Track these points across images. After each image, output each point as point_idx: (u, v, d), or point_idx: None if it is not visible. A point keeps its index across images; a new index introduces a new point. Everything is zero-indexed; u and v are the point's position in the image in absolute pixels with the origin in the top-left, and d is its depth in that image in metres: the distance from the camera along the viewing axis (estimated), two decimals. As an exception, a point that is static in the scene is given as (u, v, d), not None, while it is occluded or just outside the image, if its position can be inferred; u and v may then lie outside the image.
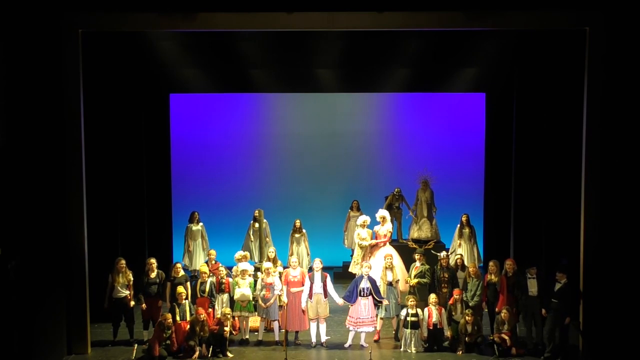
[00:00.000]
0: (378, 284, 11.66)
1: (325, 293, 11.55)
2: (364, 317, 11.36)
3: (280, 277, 11.78)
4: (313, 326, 11.63)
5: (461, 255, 12.85)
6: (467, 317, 11.19)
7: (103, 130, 12.62)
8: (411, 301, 11.35)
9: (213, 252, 12.66)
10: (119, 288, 11.56)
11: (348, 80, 15.21)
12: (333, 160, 16.81)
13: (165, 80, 14.92)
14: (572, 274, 11.26)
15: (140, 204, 14.48)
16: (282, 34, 12.39)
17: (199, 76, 14.99)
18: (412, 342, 11.26)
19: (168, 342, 11.05)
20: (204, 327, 11.03)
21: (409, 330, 11.28)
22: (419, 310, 11.32)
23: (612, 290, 10.83)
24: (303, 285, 11.56)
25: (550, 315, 10.96)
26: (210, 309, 11.51)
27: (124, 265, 11.64)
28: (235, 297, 11.67)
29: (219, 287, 11.78)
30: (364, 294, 11.39)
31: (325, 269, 11.74)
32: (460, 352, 11.20)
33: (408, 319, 11.26)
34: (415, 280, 11.80)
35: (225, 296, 11.83)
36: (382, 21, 10.94)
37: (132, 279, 11.67)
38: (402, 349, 11.29)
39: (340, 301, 11.57)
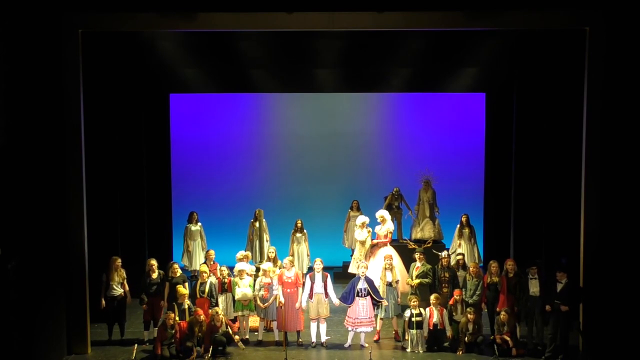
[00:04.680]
0: (377, 284, 11.66)
1: (327, 293, 11.55)
2: (362, 317, 11.35)
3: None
4: (313, 326, 11.63)
5: (462, 255, 12.82)
6: (468, 316, 11.18)
7: (103, 130, 12.62)
8: (414, 301, 11.34)
9: (212, 252, 12.65)
10: (113, 286, 11.57)
11: (348, 80, 15.20)
12: (333, 160, 16.81)
13: (165, 80, 14.92)
14: (572, 273, 11.27)
15: (140, 204, 14.48)
16: (282, 33, 12.39)
17: (199, 76, 14.99)
18: (420, 343, 11.27)
19: (172, 341, 11.02)
20: (203, 327, 11.02)
21: (414, 331, 11.27)
22: (422, 310, 11.32)
23: (612, 290, 10.83)
24: (297, 285, 11.58)
25: (554, 315, 10.96)
26: (210, 310, 11.50)
27: (119, 265, 11.65)
28: (237, 297, 11.67)
29: (222, 287, 11.77)
30: (361, 295, 11.39)
31: (325, 269, 11.74)
32: (461, 352, 11.19)
33: (413, 319, 11.26)
34: (417, 281, 11.80)
35: (228, 295, 11.82)
36: (382, 21, 10.94)
37: (125, 277, 11.67)
38: (409, 350, 11.28)
39: (336, 302, 11.58)
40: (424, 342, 11.27)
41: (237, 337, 11.23)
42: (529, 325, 11.44)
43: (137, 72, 14.05)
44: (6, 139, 9.58)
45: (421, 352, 11.23)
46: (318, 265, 11.62)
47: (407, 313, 11.37)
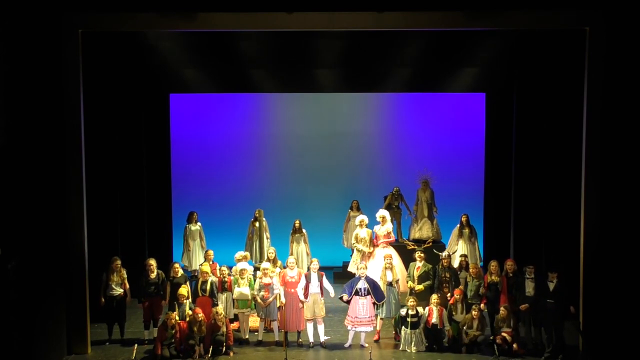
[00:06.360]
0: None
1: (322, 293, 11.55)
2: (362, 316, 11.36)
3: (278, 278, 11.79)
4: (310, 326, 11.63)
5: (465, 256, 12.80)
6: (473, 313, 11.18)
7: (103, 130, 12.62)
8: (411, 301, 11.36)
9: (210, 252, 12.64)
10: (112, 286, 11.59)
11: (348, 80, 15.19)
12: (333, 160, 16.80)
13: (165, 80, 14.91)
14: (568, 273, 11.27)
15: (140, 204, 14.49)
16: (282, 34, 12.39)
17: (199, 76, 14.98)
18: (412, 342, 11.28)
19: (172, 341, 11.03)
20: (202, 326, 11.02)
21: (408, 330, 11.29)
22: (419, 309, 11.33)
23: (612, 290, 10.83)
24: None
25: (546, 315, 10.96)
26: (212, 309, 11.49)
27: (119, 265, 11.67)
28: (234, 296, 11.68)
29: (222, 286, 11.77)
30: (361, 294, 11.39)
31: (325, 269, 11.77)
32: (465, 349, 11.18)
33: (408, 319, 11.27)
34: (421, 286, 11.80)
35: (228, 295, 11.82)
36: (382, 21, 10.94)
37: (125, 277, 11.69)
38: (400, 348, 11.31)
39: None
40: (418, 341, 11.28)
41: (230, 338, 11.20)
42: (527, 326, 11.44)
43: (137, 72, 14.04)
44: (6, 139, 9.59)
45: (414, 351, 11.24)
46: (314, 265, 11.64)
47: (402, 311, 11.38)
